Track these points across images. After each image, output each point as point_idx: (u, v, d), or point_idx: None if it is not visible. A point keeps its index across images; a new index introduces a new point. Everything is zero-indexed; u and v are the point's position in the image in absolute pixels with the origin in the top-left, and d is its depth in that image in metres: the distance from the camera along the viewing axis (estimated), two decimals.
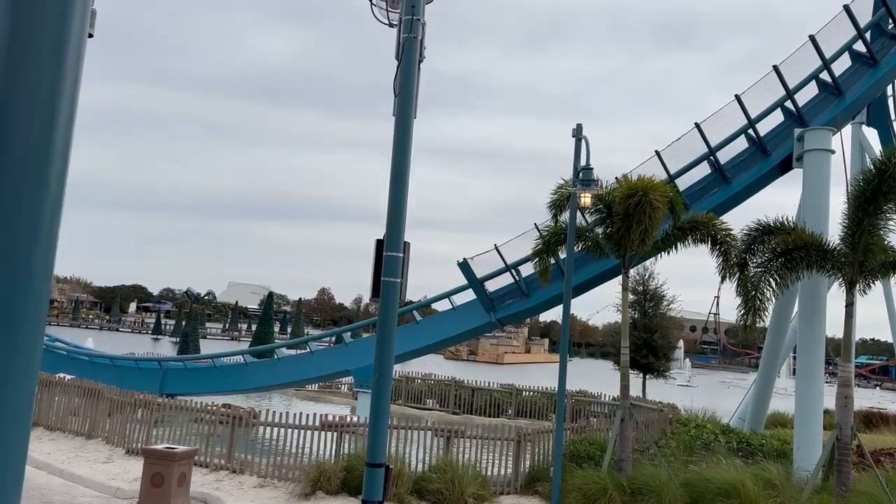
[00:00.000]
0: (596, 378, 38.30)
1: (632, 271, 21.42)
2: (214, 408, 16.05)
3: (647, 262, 20.55)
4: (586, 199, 14.13)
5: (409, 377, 31.84)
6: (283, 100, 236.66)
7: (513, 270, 21.36)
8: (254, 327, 78.60)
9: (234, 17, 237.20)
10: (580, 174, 13.83)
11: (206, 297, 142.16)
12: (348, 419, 16.53)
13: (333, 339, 34.84)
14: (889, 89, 30.99)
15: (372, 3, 6.16)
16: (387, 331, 6.06)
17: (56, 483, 13.31)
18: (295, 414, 15.09)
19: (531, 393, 29.58)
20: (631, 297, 30.86)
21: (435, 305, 26.01)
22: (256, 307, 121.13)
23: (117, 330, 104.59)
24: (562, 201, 15.60)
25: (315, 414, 15.33)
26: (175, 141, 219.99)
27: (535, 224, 18.88)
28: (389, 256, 5.94)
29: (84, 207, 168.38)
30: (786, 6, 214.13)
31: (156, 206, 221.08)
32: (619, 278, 16.58)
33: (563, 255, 17.48)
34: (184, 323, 70.55)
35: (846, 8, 17.89)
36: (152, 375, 25.74)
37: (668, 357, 38.84)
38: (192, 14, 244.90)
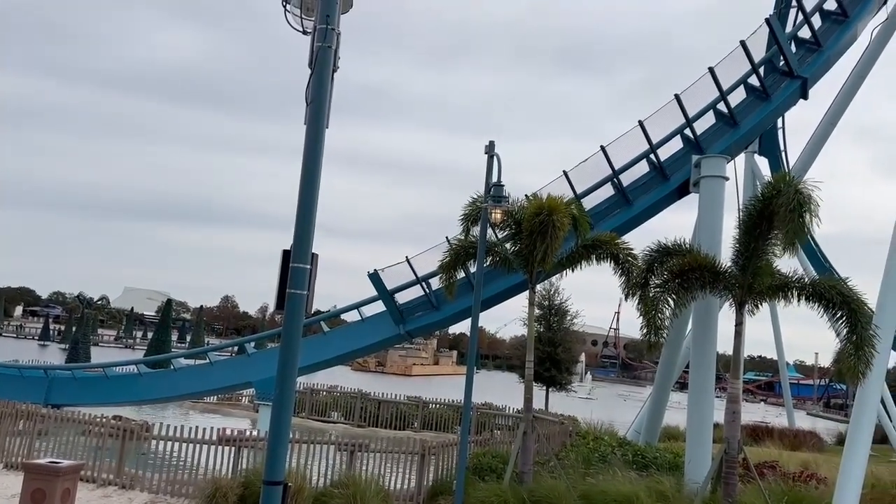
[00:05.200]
0: (501, 390, 38.85)
1: (539, 286, 21.88)
2: (104, 420, 15.23)
3: (553, 278, 21.05)
4: (497, 214, 14.34)
5: (314, 389, 31.27)
6: (190, 100, 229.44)
7: (423, 283, 21.38)
8: (150, 335, 75.20)
9: (138, 13, 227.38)
10: (492, 190, 14.05)
11: (99, 302, 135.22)
12: (247, 433, 16.03)
13: (235, 349, 33.80)
14: (779, 122, 33.28)
15: (286, 10, 6.04)
16: (290, 344, 5.90)
17: None
18: (191, 427, 14.53)
19: (437, 405, 29.66)
20: (537, 311, 31.58)
21: (344, 316, 25.69)
22: (154, 314, 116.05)
23: (0, 335, 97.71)
24: (473, 216, 15.79)
25: (212, 427, 14.80)
26: (69, 136, 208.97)
27: (447, 238, 18.99)
28: (296, 268, 5.80)
29: None
30: (677, 37, 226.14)
31: (46, 202, 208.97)
32: (527, 293, 16.90)
33: (473, 269, 17.66)
34: (74, 329, 66.79)
35: (742, 43, 19.02)
36: (37, 384, 24.15)
37: (570, 370, 39.99)
38: (94, 7, 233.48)
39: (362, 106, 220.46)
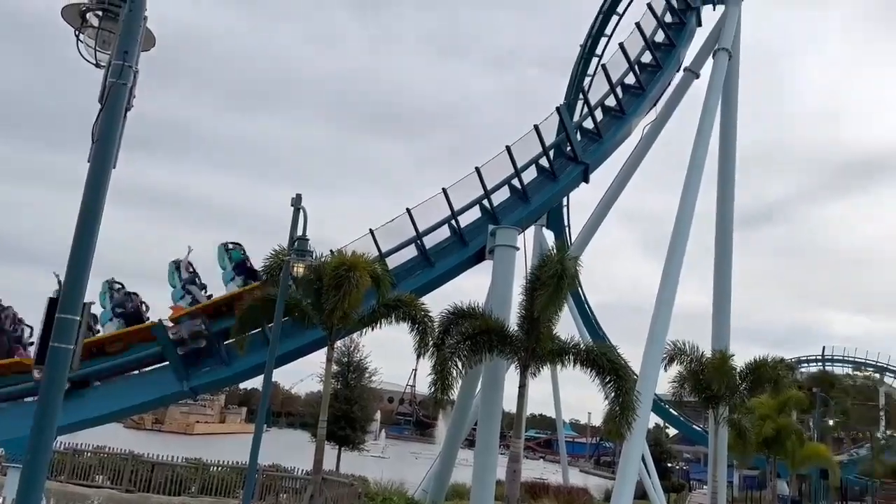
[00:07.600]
0: (292, 450, 37.40)
1: (338, 342, 21.63)
2: None
3: (354, 334, 20.99)
4: (300, 269, 14.13)
5: (77, 449, 27.90)
6: None
7: (214, 335, 20.19)
8: None
9: None
10: (296, 244, 13.84)
11: None
12: None
13: None
14: (565, 200, 36.62)
15: (78, 39, 5.59)
16: (50, 402, 5.22)
17: None
18: None
19: (220, 468, 27.80)
20: (335, 367, 31.14)
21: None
22: None
23: None
24: (275, 269, 15.41)
25: None
26: None
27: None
28: (63, 319, 5.21)
29: None
30: (481, 111, 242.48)
31: None
32: (326, 349, 16.65)
33: (270, 324, 17.07)
34: None
35: (536, 128, 20.86)
36: None
37: (364, 429, 39.62)
38: None
39: (158, 142, 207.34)
